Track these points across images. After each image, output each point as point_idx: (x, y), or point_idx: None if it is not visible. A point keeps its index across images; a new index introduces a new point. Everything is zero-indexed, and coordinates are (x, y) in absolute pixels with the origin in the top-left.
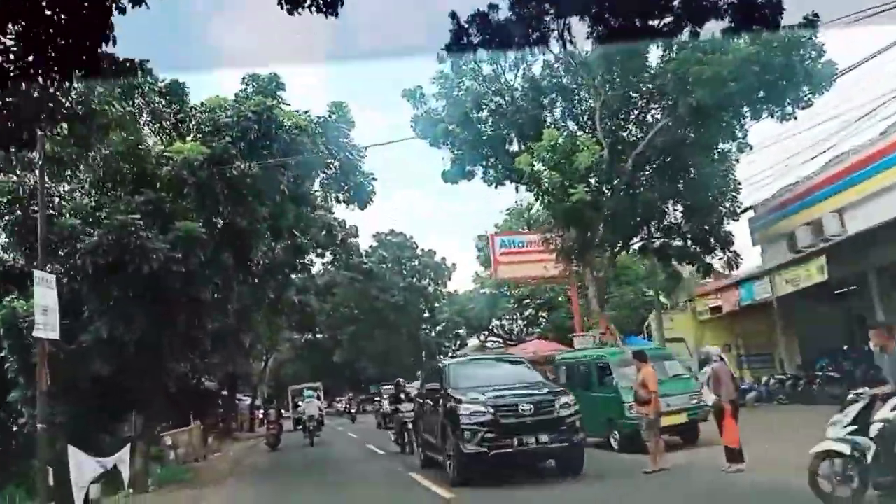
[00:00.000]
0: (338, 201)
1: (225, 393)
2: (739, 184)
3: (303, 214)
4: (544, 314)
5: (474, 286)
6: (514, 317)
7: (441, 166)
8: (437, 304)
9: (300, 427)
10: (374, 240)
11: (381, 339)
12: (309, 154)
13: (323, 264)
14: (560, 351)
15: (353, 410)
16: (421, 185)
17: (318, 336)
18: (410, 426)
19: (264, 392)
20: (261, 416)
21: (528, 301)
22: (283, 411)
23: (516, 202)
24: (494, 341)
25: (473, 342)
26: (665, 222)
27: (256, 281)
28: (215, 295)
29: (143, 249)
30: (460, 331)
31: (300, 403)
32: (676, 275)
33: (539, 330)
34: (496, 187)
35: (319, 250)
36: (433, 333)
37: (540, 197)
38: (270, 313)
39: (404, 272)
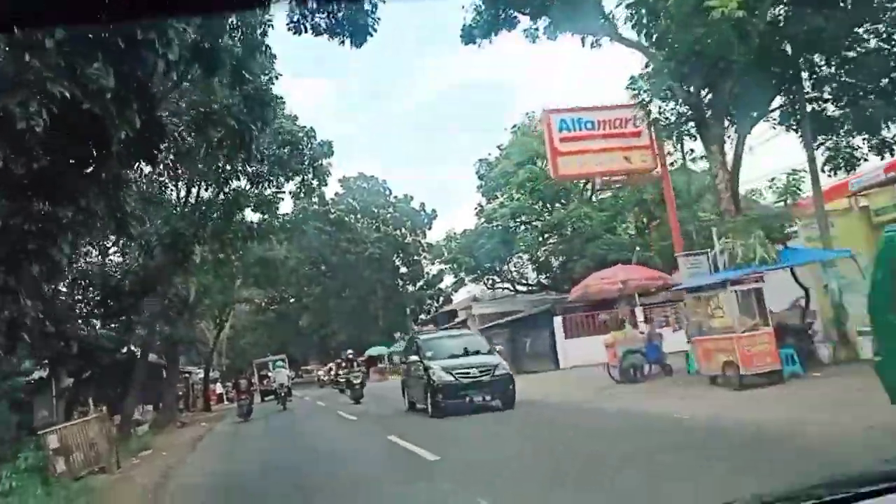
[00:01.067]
0: None
1: (162, 362)
2: None
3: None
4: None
5: (477, 223)
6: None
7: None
8: (416, 257)
9: (269, 398)
10: (340, 185)
11: (353, 299)
12: None
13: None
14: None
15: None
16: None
17: (282, 294)
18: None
19: (222, 364)
20: (219, 391)
21: (551, 233)
22: (253, 381)
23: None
24: (504, 288)
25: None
26: (827, 70)
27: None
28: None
29: None
30: (443, 285)
31: (269, 374)
32: (847, 155)
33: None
34: (554, 37)
35: (281, 174)
36: (413, 288)
37: (648, 28)
38: (217, 262)
39: (377, 222)
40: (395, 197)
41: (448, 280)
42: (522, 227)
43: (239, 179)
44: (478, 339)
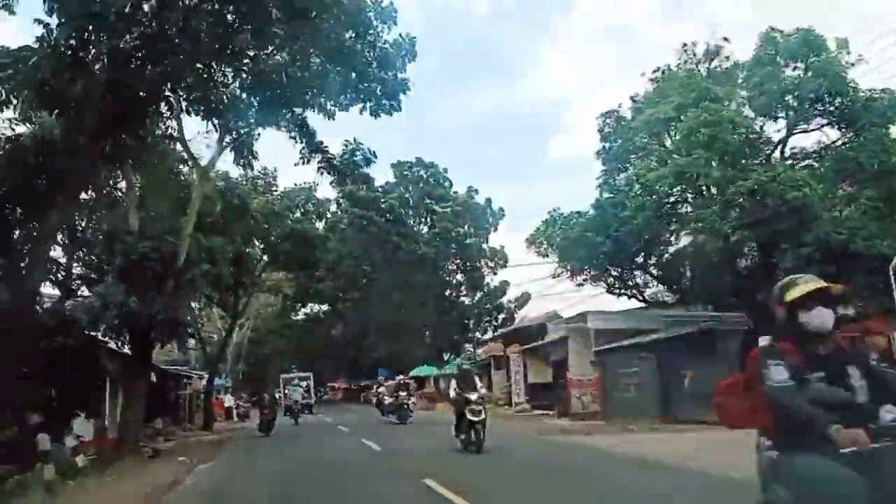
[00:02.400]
0: None
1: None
2: None
3: None
4: None
5: (599, 200)
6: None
7: None
8: (477, 262)
9: (287, 414)
10: (393, 172)
11: (397, 307)
12: None
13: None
14: None
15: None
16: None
17: (315, 285)
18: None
19: (238, 371)
20: (228, 404)
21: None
22: (277, 395)
23: None
24: (636, 294)
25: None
26: None
27: None
28: None
29: None
30: (505, 299)
31: (287, 390)
32: None
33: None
34: None
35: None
36: (471, 300)
37: None
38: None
39: (434, 217)
40: (456, 192)
41: (511, 293)
42: (690, 198)
43: None
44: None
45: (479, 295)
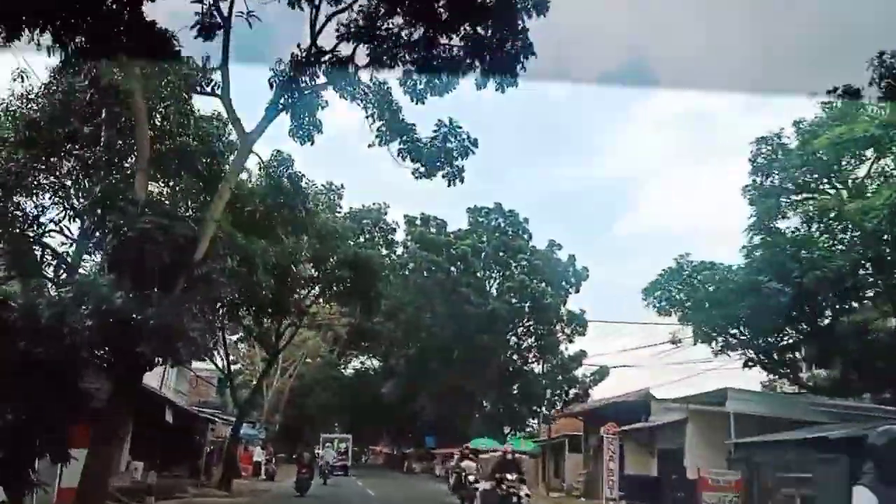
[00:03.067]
0: None
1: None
2: None
3: None
4: None
5: (749, 245)
6: None
7: None
8: (553, 326)
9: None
10: (468, 217)
11: (457, 367)
12: None
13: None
14: None
15: None
16: None
17: (371, 325)
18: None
19: (274, 423)
20: (258, 458)
21: None
22: (325, 454)
23: None
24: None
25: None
26: None
27: None
28: None
29: None
30: (579, 371)
31: (321, 451)
32: None
33: None
34: None
35: None
36: (540, 368)
37: None
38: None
39: (510, 269)
40: (533, 247)
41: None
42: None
43: None
44: None
45: (550, 363)
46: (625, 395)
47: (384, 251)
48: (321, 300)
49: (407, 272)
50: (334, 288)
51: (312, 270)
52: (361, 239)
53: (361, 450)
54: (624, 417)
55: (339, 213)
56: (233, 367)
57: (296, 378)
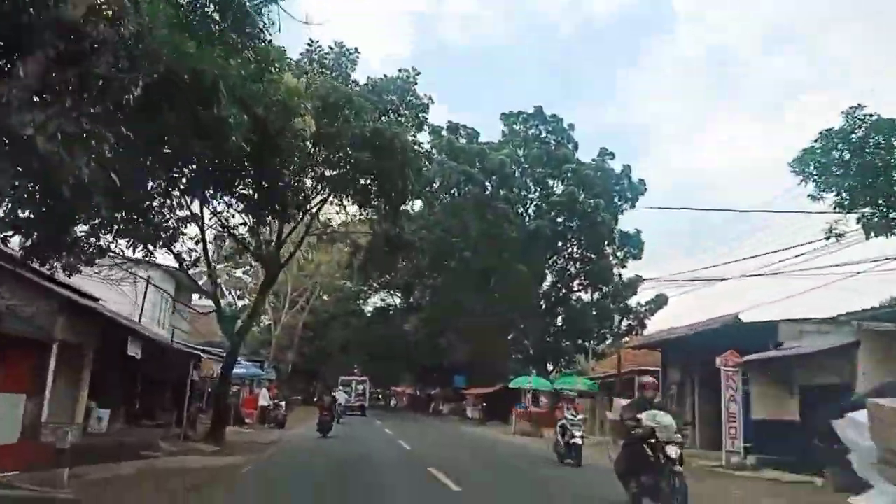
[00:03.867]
0: None
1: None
2: None
3: None
4: None
5: None
6: None
7: None
8: (605, 247)
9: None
10: (503, 123)
11: (491, 300)
12: None
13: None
14: None
15: None
16: None
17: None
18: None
19: (288, 362)
20: (263, 402)
21: None
22: (337, 396)
23: None
24: None
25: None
26: None
27: None
28: None
29: None
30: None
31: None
32: None
33: None
34: None
35: None
36: (588, 296)
37: None
38: None
39: (554, 181)
40: (579, 160)
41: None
42: None
43: None
44: None
45: (601, 291)
46: (705, 323)
47: (413, 135)
48: (332, 198)
49: (433, 189)
50: (348, 176)
51: (313, 147)
52: (384, 119)
53: (384, 392)
54: (725, 347)
55: (354, 83)
56: (240, 304)
57: (310, 312)
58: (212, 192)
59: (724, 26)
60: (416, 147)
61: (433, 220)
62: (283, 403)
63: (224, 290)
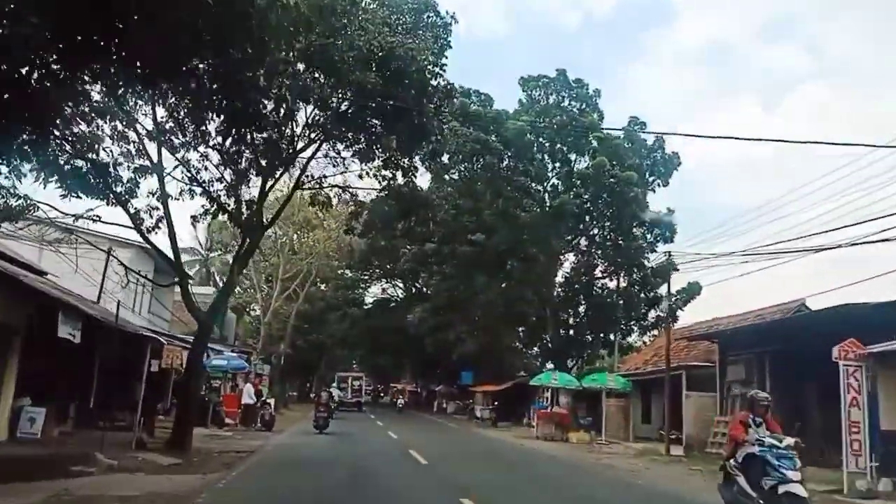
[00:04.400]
0: None
1: None
2: None
3: None
4: None
5: None
6: None
7: None
8: (633, 223)
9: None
10: (521, 88)
11: (507, 287)
12: None
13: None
14: None
15: None
16: None
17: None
18: None
19: (280, 354)
20: (247, 400)
21: None
22: (333, 392)
23: None
24: None
25: None
26: None
27: None
28: None
29: None
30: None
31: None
32: None
33: None
34: None
35: None
36: (618, 285)
37: None
38: None
39: (580, 151)
40: (604, 131)
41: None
42: None
43: None
44: None
45: (630, 277)
46: (764, 310)
47: (433, 59)
48: (327, 148)
49: (444, 160)
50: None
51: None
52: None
53: (381, 388)
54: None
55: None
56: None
57: (305, 301)
58: (148, 78)
59: (727, 16)
60: (438, 73)
61: (443, 197)
62: (270, 401)
63: (217, 279)
